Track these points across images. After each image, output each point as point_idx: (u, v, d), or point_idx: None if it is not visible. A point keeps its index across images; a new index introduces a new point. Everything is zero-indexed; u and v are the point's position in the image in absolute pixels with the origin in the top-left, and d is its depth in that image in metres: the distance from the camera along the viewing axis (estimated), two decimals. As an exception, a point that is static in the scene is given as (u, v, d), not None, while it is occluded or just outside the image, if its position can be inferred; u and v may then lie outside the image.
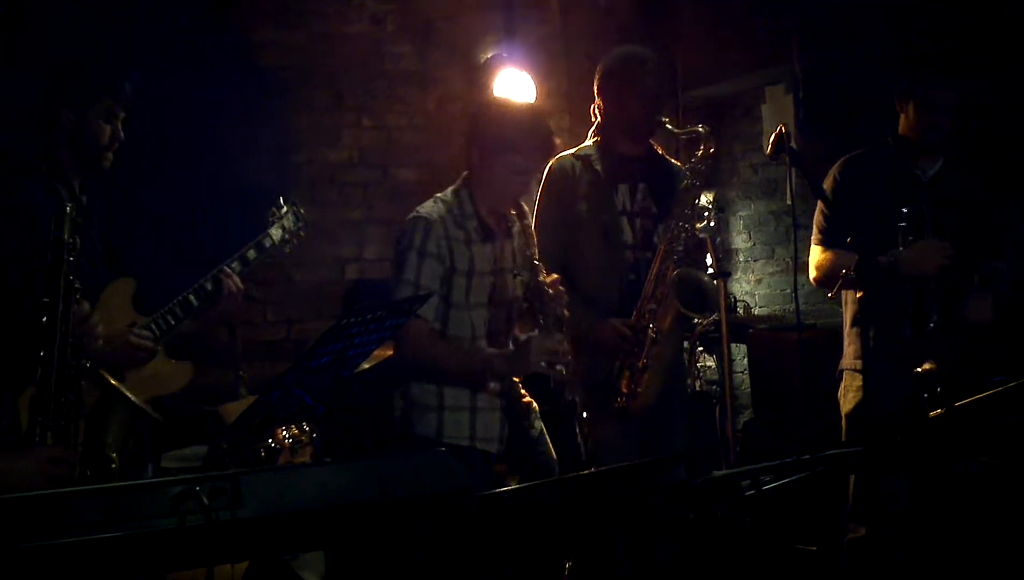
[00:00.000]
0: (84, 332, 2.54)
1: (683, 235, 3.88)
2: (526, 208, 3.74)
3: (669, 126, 3.95)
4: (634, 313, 3.85)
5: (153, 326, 3.35)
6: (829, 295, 4.02)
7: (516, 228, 3.68)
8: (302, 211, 3.83)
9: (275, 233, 3.72)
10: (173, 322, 3.40)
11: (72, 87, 3.30)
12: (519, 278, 3.63)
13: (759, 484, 2.34)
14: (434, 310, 3.46)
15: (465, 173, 3.60)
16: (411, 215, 3.53)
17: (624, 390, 3.84)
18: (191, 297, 3.45)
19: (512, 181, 3.51)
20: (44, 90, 3.30)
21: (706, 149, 3.93)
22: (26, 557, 1.49)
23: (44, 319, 2.40)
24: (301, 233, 3.82)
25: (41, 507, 1.56)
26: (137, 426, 3.10)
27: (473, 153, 3.55)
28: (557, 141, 3.68)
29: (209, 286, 3.47)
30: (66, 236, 2.46)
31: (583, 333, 3.81)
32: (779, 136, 3.67)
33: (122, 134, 3.37)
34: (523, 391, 3.68)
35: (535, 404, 3.77)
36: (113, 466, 2.73)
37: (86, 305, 2.56)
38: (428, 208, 3.52)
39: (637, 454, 3.86)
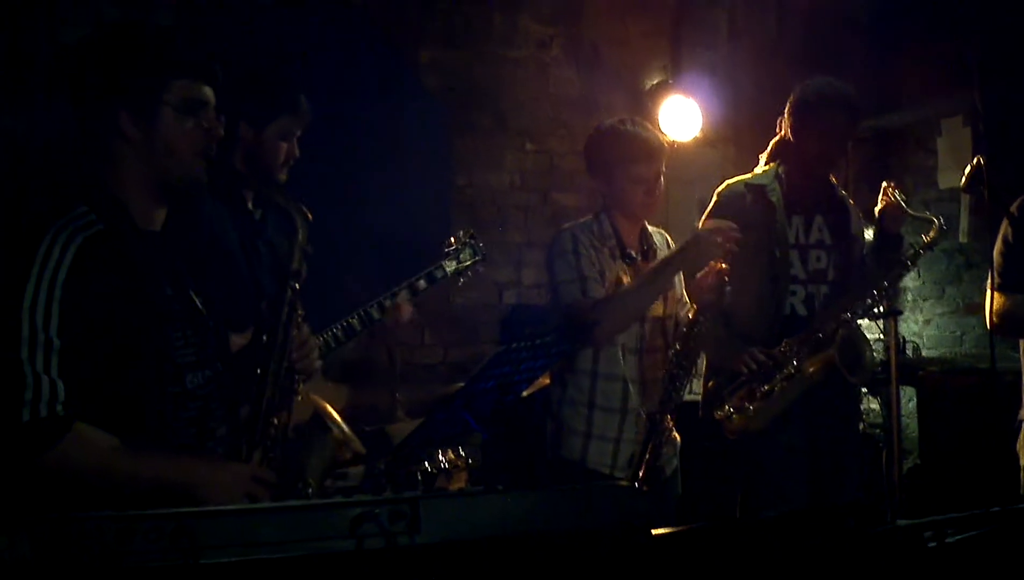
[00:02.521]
0: (302, 356, 2.54)
1: (869, 303, 3.82)
2: (668, 237, 3.88)
3: (903, 203, 3.85)
4: (784, 343, 3.75)
5: None
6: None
7: (660, 252, 3.76)
8: (480, 245, 3.83)
9: (448, 265, 3.72)
10: (334, 345, 3.38)
11: (253, 102, 3.31)
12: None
13: (943, 536, 2.20)
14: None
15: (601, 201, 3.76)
16: (554, 234, 3.74)
17: (732, 406, 3.73)
18: (355, 321, 3.44)
19: (635, 191, 3.61)
20: (224, 103, 3.33)
21: (932, 239, 3.86)
22: (205, 574, 1.46)
23: (264, 338, 2.44)
24: (478, 267, 3.82)
25: (221, 523, 1.53)
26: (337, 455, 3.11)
27: (597, 178, 3.72)
28: (666, 143, 3.74)
29: (375, 314, 3.47)
30: (295, 265, 2.46)
31: (723, 360, 3.80)
32: (976, 168, 3.50)
33: (297, 151, 3.36)
34: (671, 425, 3.67)
35: (678, 439, 3.78)
36: (309, 490, 2.73)
37: (306, 329, 2.57)
38: (568, 227, 3.72)
39: (805, 497, 3.72)
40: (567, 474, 3.57)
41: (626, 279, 3.63)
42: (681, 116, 5.97)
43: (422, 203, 5.50)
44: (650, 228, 3.78)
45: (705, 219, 3.96)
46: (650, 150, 3.62)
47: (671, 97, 5.99)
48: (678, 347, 3.60)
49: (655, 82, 6.14)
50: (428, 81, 5.78)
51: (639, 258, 3.70)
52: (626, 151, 3.59)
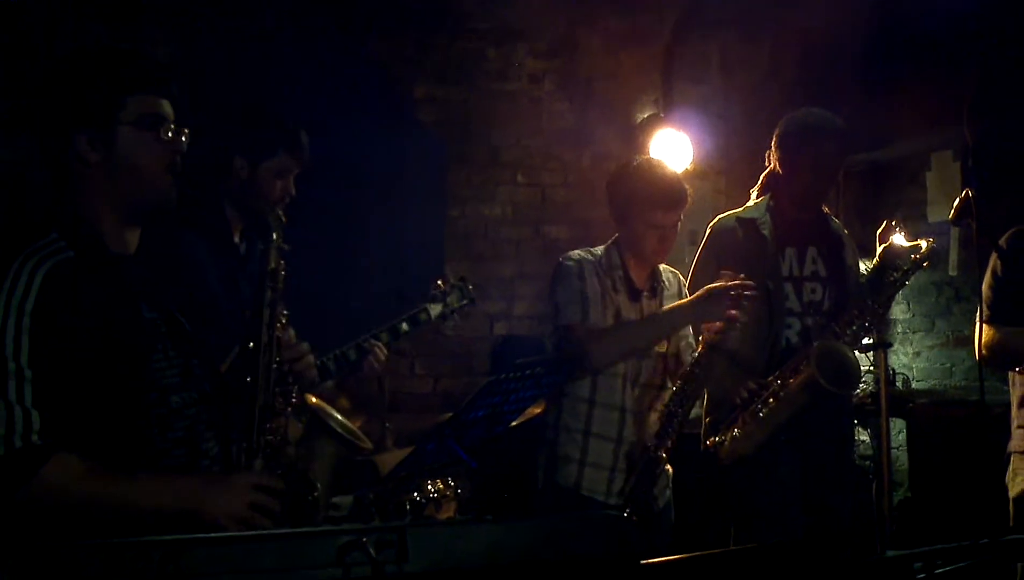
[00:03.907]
0: (293, 357, 2.50)
1: (858, 324, 3.80)
2: (681, 278, 3.87)
3: (900, 237, 3.86)
4: (777, 372, 3.74)
5: None
6: (1020, 371, 3.82)
7: (669, 291, 3.75)
8: (470, 287, 3.73)
9: (434, 309, 3.62)
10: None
11: (250, 137, 3.28)
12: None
13: (932, 567, 2.21)
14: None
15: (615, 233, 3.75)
16: (559, 259, 3.71)
17: (724, 434, 3.73)
18: (330, 364, 3.35)
19: (650, 236, 3.60)
20: (221, 136, 3.29)
21: (923, 256, 3.81)
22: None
23: (251, 345, 2.38)
24: (466, 310, 3.72)
25: (208, 551, 1.54)
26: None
27: (614, 213, 3.71)
28: (689, 193, 3.70)
29: (352, 355, 3.39)
30: (271, 264, 2.42)
31: (722, 393, 3.78)
32: (965, 200, 3.51)
33: (294, 191, 3.32)
34: (664, 456, 3.66)
35: (670, 471, 3.78)
36: (316, 494, 2.70)
37: (292, 331, 2.52)
38: (574, 253, 3.70)
39: (799, 527, 3.72)
40: (562, 500, 3.57)
41: (630, 313, 3.64)
42: (672, 148, 5.98)
43: (415, 234, 5.52)
44: (661, 266, 3.77)
45: (699, 255, 3.97)
46: (672, 199, 3.59)
47: (662, 130, 6.02)
48: (679, 385, 3.60)
49: (646, 115, 6.17)
50: (423, 115, 5.82)
51: (646, 294, 3.70)
52: (647, 195, 3.57)
